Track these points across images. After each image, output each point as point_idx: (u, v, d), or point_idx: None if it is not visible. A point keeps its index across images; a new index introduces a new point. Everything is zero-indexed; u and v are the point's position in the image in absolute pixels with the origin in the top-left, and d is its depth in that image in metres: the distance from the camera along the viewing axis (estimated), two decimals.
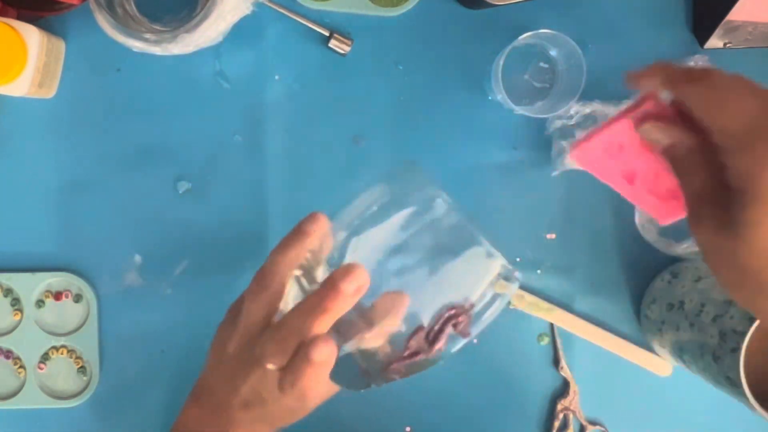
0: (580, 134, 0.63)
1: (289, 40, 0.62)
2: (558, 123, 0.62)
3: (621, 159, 0.45)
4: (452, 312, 0.40)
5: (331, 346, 0.40)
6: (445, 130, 0.63)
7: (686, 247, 0.64)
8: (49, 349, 0.62)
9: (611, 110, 0.61)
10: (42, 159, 0.61)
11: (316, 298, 0.40)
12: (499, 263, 0.43)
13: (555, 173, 0.63)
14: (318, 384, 0.42)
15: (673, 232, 0.64)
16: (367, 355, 0.41)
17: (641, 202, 0.47)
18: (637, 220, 0.64)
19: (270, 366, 0.41)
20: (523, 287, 0.64)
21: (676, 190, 0.44)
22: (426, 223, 0.42)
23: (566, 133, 0.62)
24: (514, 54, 0.63)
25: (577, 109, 0.61)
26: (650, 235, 0.64)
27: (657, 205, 0.47)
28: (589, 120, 0.63)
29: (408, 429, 0.64)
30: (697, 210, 0.40)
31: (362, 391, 0.43)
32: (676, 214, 0.46)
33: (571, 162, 0.62)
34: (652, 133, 0.40)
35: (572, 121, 0.62)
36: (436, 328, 0.40)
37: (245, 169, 0.62)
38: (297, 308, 0.41)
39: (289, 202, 0.62)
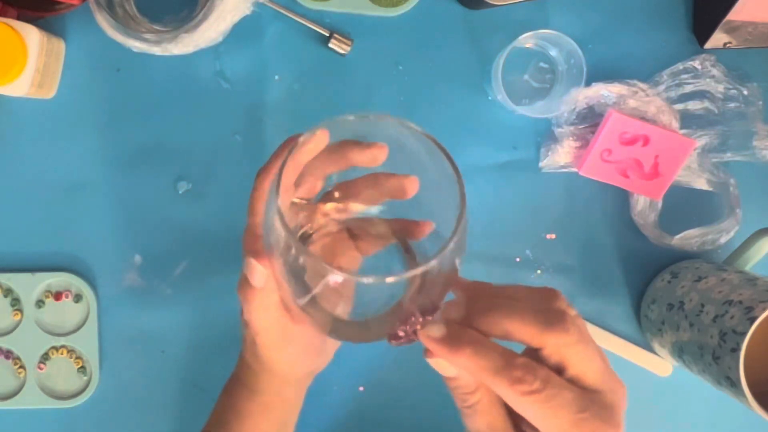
0: (574, 140, 0.63)
1: (289, 40, 0.62)
2: (565, 127, 0.62)
3: (613, 159, 0.62)
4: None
5: (263, 268, 0.38)
6: (445, 130, 0.63)
7: (681, 239, 0.64)
8: (49, 349, 0.62)
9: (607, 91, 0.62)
10: (42, 159, 0.61)
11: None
12: None
13: (543, 169, 0.64)
14: (258, 313, 0.40)
15: (669, 225, 0.64)
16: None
17: (638, 188, 0.63)
18: (634, 214, 0.64)
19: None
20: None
21: (655, 166, 0.62)
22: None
23: (560, 134, 0.63)
24: (514, 54, 0.63)
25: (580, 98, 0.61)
26: (647, 229, 0.64)
27: (648, 186, 0.63)
28: (588, 117, 0.63)
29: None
30: None
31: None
32: (663, 187, 0.63)
33: (559, 161, 0.63)
34: (441, 367, 0.36)
35: (574, 115, 0.62)
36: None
37: (245, 169, 0.62)
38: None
39: None
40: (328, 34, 0.61)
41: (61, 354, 0.62)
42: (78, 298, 0.62)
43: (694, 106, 0.64)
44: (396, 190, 0.40)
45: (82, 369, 0.62)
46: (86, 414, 0.62)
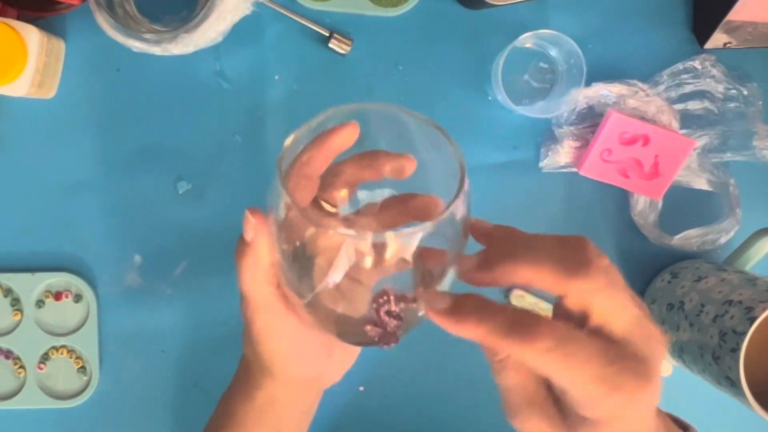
0: (574, 140, 0.63)
1: (289, 40, 0.62)
2: (565, 128, 0.62)
3: (612, 159, 0.62)
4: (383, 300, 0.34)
5: (256, 222, 0.36)
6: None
7: (681, 239, 0.64)
8: (49, 349, 0.62)
9: (608, 91, 0.61)
10: (42, 159, 0.61)
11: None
12: None
13: (543, 169, 0.63)
14: (248, 277, 0.38)
15: (669, 225, 0.64)
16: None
17: (638, 188, 0.63)
18: (634, 214, 0.64)
19: None
20: (522, 287, 0.65)
21: (655, 166, 0.62)
22: None
23: (560, 134, 0.63)
24: (514, 54, 0.63)
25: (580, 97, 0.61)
26: (647, 229, 0.64)
27: (648, 186, 0.63)
28: (588, 117, 0.63)
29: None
30: (526, 410, 0.34)
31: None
32: (663, 187, 0.63)
33: (559, 161, 0.63)
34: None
35: (574, 115, 0.62)
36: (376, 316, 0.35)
37: (245, 169, 0.62)
38: None
39: None
40: (328, 34, 0.61)
41: (61, 354, 0.62)
42: (78, 298, 0.62)
43: (694, 106, 0.64)
44: (394, 169, 0.40)
45: (82, 369, 0.62)
46: (86, 414, 0.62)
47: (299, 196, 0.38)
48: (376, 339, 0.34)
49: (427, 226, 0.31)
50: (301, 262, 0.34)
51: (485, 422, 0.65)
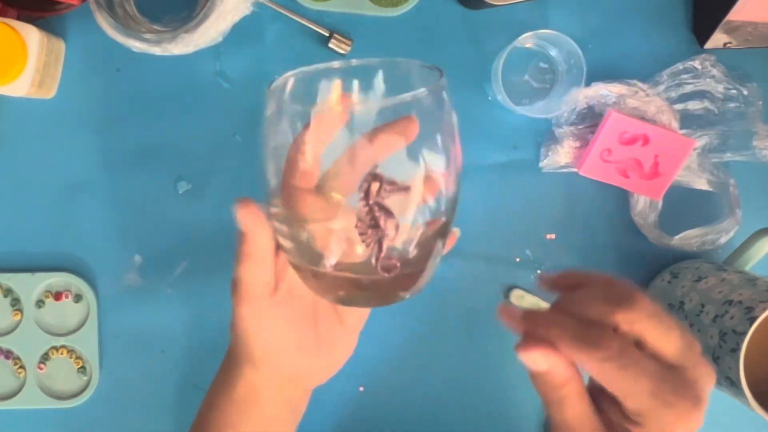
0: (573, 140, 0.63)
1: (289, 40, 0.62)
2: (565, 128, 0.62)
3: (612, 159, 0.62)
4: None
5: (246, 211, 0.38)
6: None
7: (681, 239, 0.64)
8: (49, 349, 0.62)
9: (607, 91, 0.61)
10: (42, 159, 0.61)
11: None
12: None
13: (543, 169, 0.64)
14: (246, 265, 0.39)
15: (669, 225, 0.64)
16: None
17: (638, 188, 0.63)
18: (634, 214, 0.64)
19: None
20: (523, 287, 0.65)
21: (655, 166, 0.62)
22: None
23: (560, 134, 0.63)
24: (514, 54, 0.63)
25: (580, 97, 0.61)
26: (647, 229, 0.64)
27: (648, 186, 0.63)
28: (588, 117, 0.63)
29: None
30: None
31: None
32: (663, 187, 0.63)
33: (559, 161, 0.63)
34: (533, 361, 0.36)
35: (574, 115, 0.62)
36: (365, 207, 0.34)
37: (245, 169, 0.62)
38: None
39: None
40: (328, 34, 0.61)
41: (61, 354, 0.62)
42: (78, 298, 0.62)
43: (694, 106, 0.64)
44: (399, 132, 0.39)
45: (82, 369, 0.62)
46: (86, 414, 0.62)
47: (301, 180, 0.38)
48: (373, 256, 0.34)
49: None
50: (296, 226, 0.34)
51: (485, 422, 0.65)
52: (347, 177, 0.36)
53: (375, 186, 0.33)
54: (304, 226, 0.36)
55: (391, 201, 0.34)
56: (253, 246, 0.39)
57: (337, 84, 0.35)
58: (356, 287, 0.36)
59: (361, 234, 0.34)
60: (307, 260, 0.36)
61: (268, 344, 0.42)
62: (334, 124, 0.37)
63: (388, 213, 0.34)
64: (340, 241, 0.34)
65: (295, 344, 0.42)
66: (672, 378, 0.33)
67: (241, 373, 0.43)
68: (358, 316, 0.45)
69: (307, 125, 0.35)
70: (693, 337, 0.35)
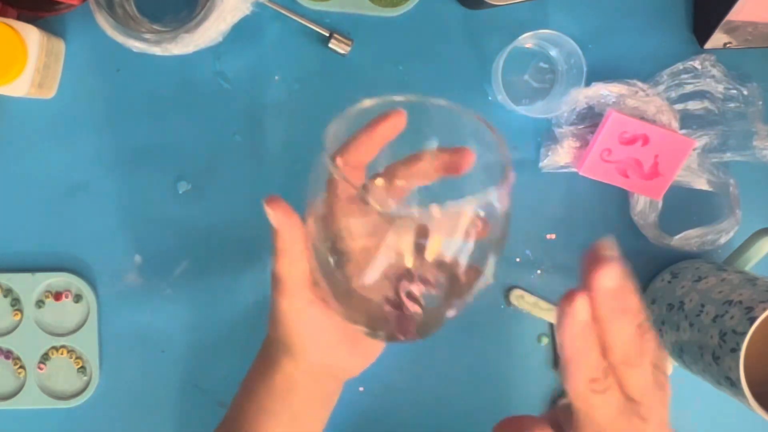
0: (572, 139, 0.63)
1: (289, 40, 0.62)
2: (565, 128, 0.62)
3: (612, 159, 0.62)
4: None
5: (277, 212, 0.40)
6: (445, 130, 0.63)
7: (681, 239, 0.64)
8: (49, 349, 0.62)
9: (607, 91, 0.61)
10: (42, 159, 0.61)
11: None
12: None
13: (543, 169, 0.64)
14: (285, 260, 0.41)
15: (669, 225, 0.64)
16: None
17: (638, 188, 0.63)
18: (634, 214, 0.64)
19: None
20: (523, 287, 0.65)
21: (655, 166, 0.62)
22: None
23: (560, 134, 0.63)
24: (514, 54, 0.63)
25: (580, 97, 0.61)
26: (647, 229, 0.64)
27: (648, 186, 0.63)
28: (588, 117, 0.63)
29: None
30: None
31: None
32: (663, 187, 0.63)
33: (559, 161, 0.63)
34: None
35: (574, 115, 0.62)
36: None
37: (245, 169, 0.62)
38: None
39: (289, 202, 0.62)
40: (328, 34, 0.61)
41: (61, 354, 0.62)
42: (78, 298, 0.62)
43: (694, 106, 0.64)
44: (451, 163, 0.42)
45: (82, 369, 0.62)
46: (86, 414, 0.62)
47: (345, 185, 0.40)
48: (394, 322, 0.34)
49: (472, 201, 0.33)
50: (338, 250, 0.34)
51: (485, 423, 0.65)
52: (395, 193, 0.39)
53: (407, 277, 0.34)
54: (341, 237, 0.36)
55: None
56: (288, 242, 0.40)
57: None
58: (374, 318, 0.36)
59: (390, 305, 0.35)
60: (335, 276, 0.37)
61: (307, 337, 0.43)
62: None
63: (417, 301, 0.34)
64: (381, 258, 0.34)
65: (333, 337, 0.43)
66: (630, 410, 0.39)
67: (280, 363, 0.45)
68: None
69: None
70: (651, 377, 0.40)
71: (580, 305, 0.36)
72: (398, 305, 0.34)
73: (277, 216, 0.40)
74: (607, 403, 0.37)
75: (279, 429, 0.45)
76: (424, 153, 0.43)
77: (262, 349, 0.48)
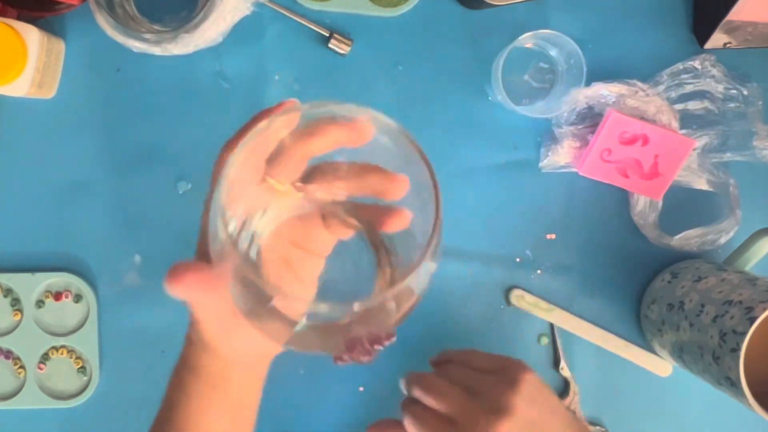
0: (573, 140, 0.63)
1: (289, 40, 0.62)
2: (565, 127, 0.62)
3: (612, 159, 0.62)
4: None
5: (187, 283, 0.37)
6: (446, 131, 0.63)
7: (681, 239, 0.64)
8: (49, 349, 0.62)
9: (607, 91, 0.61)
10: (42, 159, 0.61)
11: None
12: None
13: (543, 169, 0.64)
14: (200, 313, 0.39)
15: (669, 225, 0.64)
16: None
17: (638, 188, 0.63)
18: (634, 214, 0.64)
19: None
20: (523, 287, 0.65)
21: (655, 166, 0.62)
22: None
23: (560, 134, 0.63)
24: (514, 54, 0.63)
25: (580, 97, 0.61)
26: (647, 229, 0.64)
27: (648, 186, 0.63)
28: (588, 117, 0.63)
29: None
30: None
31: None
32: (663, 187, 0.63)
33: (559, 161, 0.63)
34: None
35: (574, 115, 0.62)
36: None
37: None
38: None
39: None
40: (328, 34, 0.61)
41: (61, 354, 0.62)
42: (78, 298, 0.62)
43: (694, 106, 0.64)
44: (381, 188, 0.36)
45: (82, 369, 0.62)
46: (86, 414, 0.62)
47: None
48: (338, 363, 0.33)
49: (392, 289, 0.30)
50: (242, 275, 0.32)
51: None
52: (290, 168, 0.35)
53: (358, 347, 0.32)
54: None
55: None
56: (206, 306, 0.38)
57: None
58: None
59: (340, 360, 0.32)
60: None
61: (237, 348, 0.41)
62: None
63: (370, 353, 0.32)
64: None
65: (258, 337, 0.40)
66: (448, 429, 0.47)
67: (211, 365, 0.43)
68: (310, 269, 0.42)
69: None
70: (460, 398, 0.49)
71: None
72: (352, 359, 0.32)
73: (188, 293, 0.37)
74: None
75: (219, 417, 0.44)
76: (359, 167, 0.37)
77: (186, 349, 0.46)
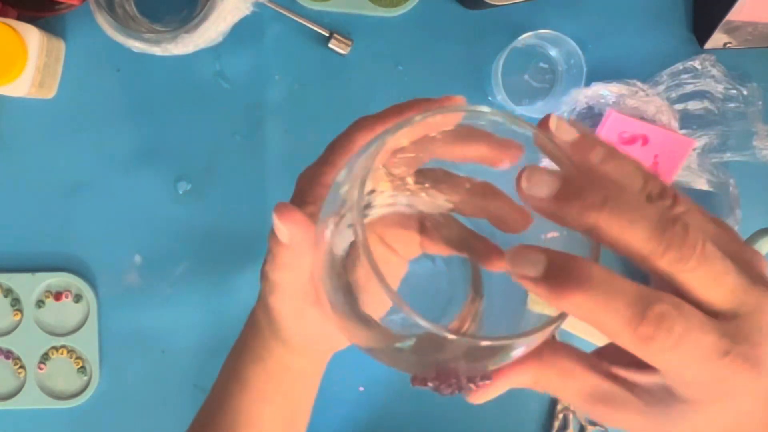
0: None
1: (289, 40, 0.62)
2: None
3: None
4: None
5: (293, 221, 0.32)
6: None
7: None
8: (49, 349, 0.62)
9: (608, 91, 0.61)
10: (42, 159, 0.61)
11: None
12: None
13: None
14: (281, 272, 0.34)
15: None
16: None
17: None
18: None
19: None
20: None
21: (655, 166, 0.61)
22: None
23: None
24: (514, 54, 0.63)
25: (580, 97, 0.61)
26: None
27: None
28: (587, 117, 0.63)
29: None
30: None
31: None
32: None
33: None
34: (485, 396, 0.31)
35: (574, 115, 0.62)
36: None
37: (245, 169, 0.62)
38: None
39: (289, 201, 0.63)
40: (328, 34, 0.61)
41: (61, 354, 0.62)
42: (78, 298, 0.62)
43: (693, 106, 0.64)
44: (504, 218, 0.34)
45: (82, 369, 0.62)
46: (86, 414, 0.62)
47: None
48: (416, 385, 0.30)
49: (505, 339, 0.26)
50: (337, 256, 0.29)
51: (485, 422, 0.65)
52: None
53: (452, 380, 0.29)
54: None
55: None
56: (296, 257, 0.34)
57: None
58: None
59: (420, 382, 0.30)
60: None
61: (298, 327, 0.38)
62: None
63: (459, 388, 0.30)
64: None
65: (320, 320, 0.38)
66: (733, 345, 0.24)
67: (273, 352, 0.41)
68: (392, 270, 0.39)
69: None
70: (740, 269, 0.25)
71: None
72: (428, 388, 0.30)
73: (290, 230, 0.32)
74: (681, 350, 0.24)
75: (275, 412, 0.42)
76: (485, 187, 0.35)
77: (249, 333, 0.43)
